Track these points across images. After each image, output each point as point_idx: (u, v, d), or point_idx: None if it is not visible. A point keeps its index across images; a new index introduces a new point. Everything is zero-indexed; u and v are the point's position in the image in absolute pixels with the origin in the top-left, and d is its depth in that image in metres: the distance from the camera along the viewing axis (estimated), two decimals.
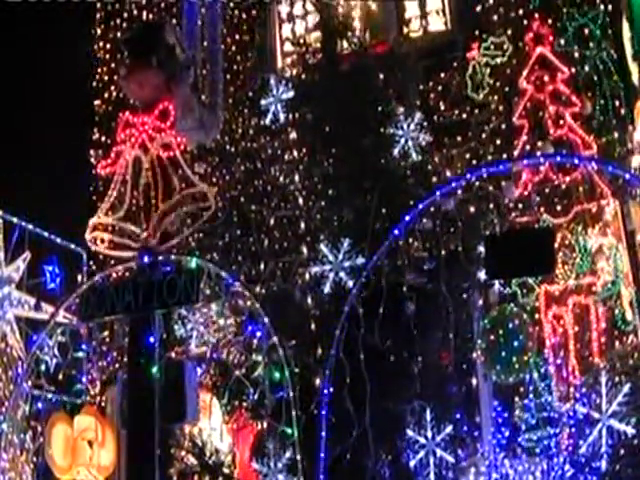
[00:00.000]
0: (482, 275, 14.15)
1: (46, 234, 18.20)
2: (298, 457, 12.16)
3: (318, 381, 13.29)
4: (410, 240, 15.44)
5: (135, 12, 20.31)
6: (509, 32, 18.24)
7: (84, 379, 14.82)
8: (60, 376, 14.74)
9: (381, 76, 17.23)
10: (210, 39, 19.80)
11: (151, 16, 20.29)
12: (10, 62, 20.41)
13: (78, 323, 14.22)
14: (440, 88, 18.18)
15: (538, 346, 14.69)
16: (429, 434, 12.58)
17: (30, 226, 17.74)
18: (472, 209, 15.96)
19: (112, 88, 19.57)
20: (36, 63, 20.20)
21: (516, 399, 14.53)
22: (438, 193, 15.06)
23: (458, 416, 13.22)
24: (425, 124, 17.17)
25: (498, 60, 18.05)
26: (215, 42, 19.79)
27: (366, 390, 12.66)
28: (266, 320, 13.39)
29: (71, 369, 14.75)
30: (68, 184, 19.48)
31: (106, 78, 19.75)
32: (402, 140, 16.56)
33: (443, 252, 14.99)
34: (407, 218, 14.47)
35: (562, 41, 17.53)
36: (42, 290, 17.84)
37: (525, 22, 18.02)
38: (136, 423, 12.60)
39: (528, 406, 14.11)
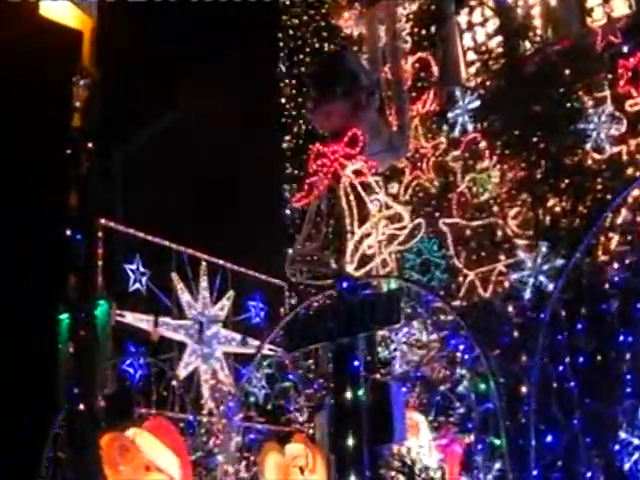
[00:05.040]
0: None
1: (248, 271, 18.78)
2: (508, 468, 11.92)
3: (524, 389, 12.95)
4: (610, 235, 14.93)
5: (317, 45, 20.70)
6: None
7: (292, 408, 15.11)
8: (269, 407, 15.12)
9: (567, 72, 16.79)
10: (392, 60, 19.96)
11: (332, 46, 20.63)
12: (201, 108, 21.24)
13: (283, 354, 14.56)
14: (629, 74, 17.42)
15: None
16: None
17: (232, 265, 18.36)
18: None
19: (300, 122, 20.02)
20: (226, 108, 20.92)
21: None
22: (636, 183, 14.52)
23: None
24: (617, 114, 16.64)
25: None
26: (397, 62, 19.92)
27: (574, 394, 12.27)
28: (469, 332, 13.23)
29: (279, 399, 15.08)
30: (266, 221, 20.00)
31: (294, 113, 20.24)
32: (594, 134, 16.11)
33: None
34: (605, 213, 14.00)
35: None
36: (247, 325, 18.40)
37: None
38: (345, 447, 12.71)
39: None
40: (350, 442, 12.67)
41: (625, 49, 17.53)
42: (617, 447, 12.16)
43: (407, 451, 13.63)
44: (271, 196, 19.73)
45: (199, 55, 21.26)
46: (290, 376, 14.91)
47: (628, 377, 12.76)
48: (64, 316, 12.93)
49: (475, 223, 16.80)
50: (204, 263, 17.95)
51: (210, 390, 16.29)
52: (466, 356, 13.78)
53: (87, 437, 10.75)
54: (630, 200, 14.71)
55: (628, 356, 13.09)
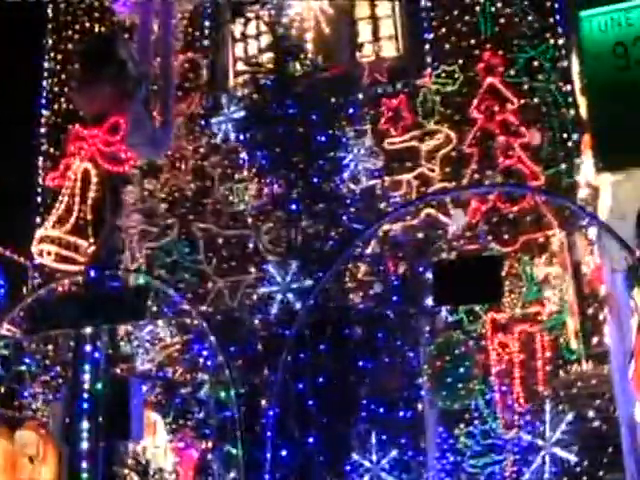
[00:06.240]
0: (429, 301, 14.22)
1: None
2: (242, 478, 12.13)
3: (264, 402, 13.24)
4: (358, 264, 15.54)
5: (88, 24, 20.20)
6: (460, 61, 18.41)
7: (26, 393, 14.61)
8: (2, 389, 14.54)
9: (332, 100, 17.29)
10: (163, 55, 19.74)
11: (104, 29, 20.18)
12: None
13: (22, 336, 14.06)
14: (391, 114, 18.26)
15: (484, 373, 14.87)
16: (374, 458, 12.65)
17: None
18: (420, 235, 16.12)
19: (62, 100, 19.41)
20: None
21: (461, 426, 14.66)
22: (387, 219, 15.25)
23: (404, 441, 13.27)
24: (375, 149, 17.37)
25: (449, 88, 18.21)
26: (168, 58, 19.74)
27: (312, 413, 12.70)
28: (213, 339, 13.34)
29: (14, 383, 14.56)
30: (15, 195, 19.21)
31: (57, 89, 19.61)
32: (352, 164, 16.66)
33: (391, 277, 15.12)
34: (356, 242, 14.60)
35: (512, 72, 17.75)
36: None
37: (476, 52, 18.24)
38: (79, 439, 12.44)
39: (473, 433, 14.26)
40: (85, 435, 12.43)
41: (390, 89, 18.43)
42: (349, 468, 12.72)
43: (142, 450, 13.54)
44: (24, 170, 18.96)
45: None
46: (27, 360, 14.42)
47: (364, 402, 13.39)
48: None
49: (228, 232, 16.97)
50: None
51: None
52: (209, 362, 13.92)
53: None
54: (380, 234, 15.44)
55: (367, 382, 13.75)
